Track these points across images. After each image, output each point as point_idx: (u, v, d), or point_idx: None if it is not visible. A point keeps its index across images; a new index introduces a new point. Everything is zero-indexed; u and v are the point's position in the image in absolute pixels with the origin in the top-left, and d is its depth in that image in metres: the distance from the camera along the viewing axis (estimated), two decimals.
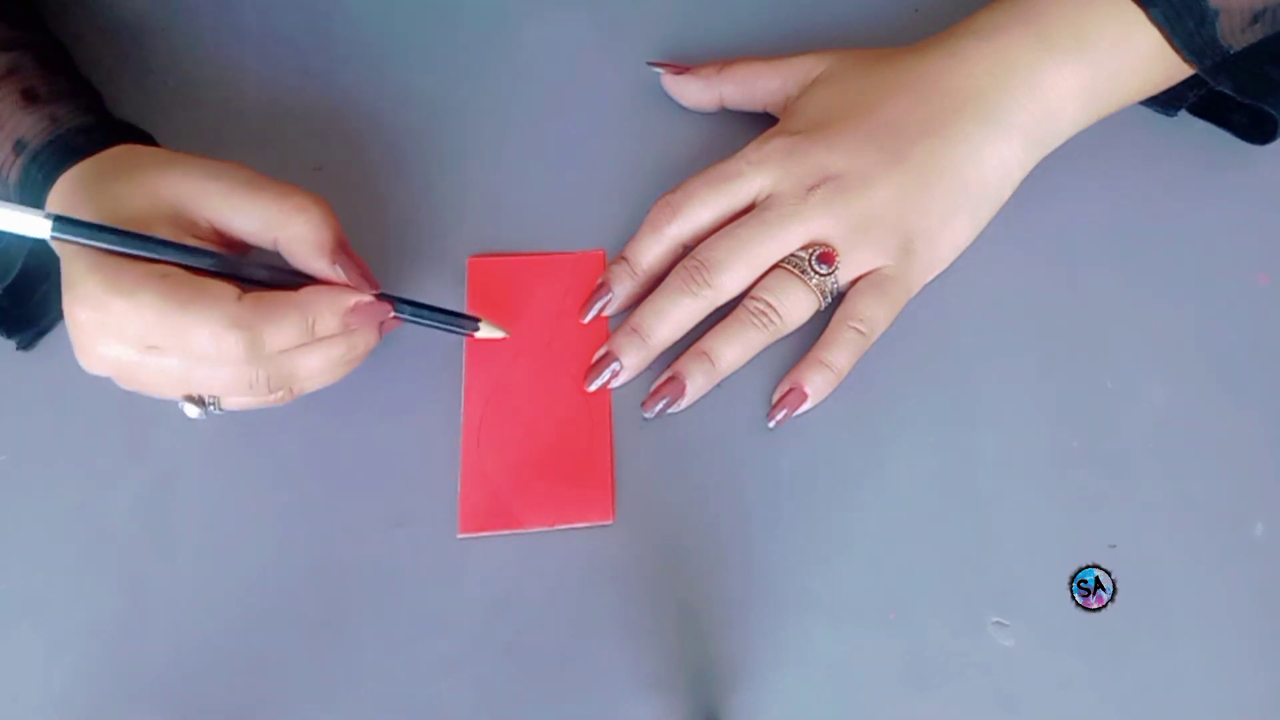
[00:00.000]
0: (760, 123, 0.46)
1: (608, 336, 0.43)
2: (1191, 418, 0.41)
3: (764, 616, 0.39)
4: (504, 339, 0.43)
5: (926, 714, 0.38)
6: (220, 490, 0.42)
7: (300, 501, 0.42)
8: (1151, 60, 0.41)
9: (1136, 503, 0.40)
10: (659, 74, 0.48)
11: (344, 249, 0.39)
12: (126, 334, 0.35)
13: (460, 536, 0.40)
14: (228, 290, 0.36)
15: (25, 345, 0.45)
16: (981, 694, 0.38)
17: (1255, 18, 0.40)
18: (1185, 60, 0.41)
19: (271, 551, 0.41)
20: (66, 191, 0.38)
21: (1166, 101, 0.45)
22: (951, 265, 0.44)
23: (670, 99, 0.48)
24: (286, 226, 0.38)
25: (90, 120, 0.41)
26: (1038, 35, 0.41)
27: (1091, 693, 0.38)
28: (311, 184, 0.46)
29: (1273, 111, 0.42)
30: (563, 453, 0.42)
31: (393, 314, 0.40)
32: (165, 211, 0.37)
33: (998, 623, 0.39)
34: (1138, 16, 0.40)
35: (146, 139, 0.44)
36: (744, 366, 0.42)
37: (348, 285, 0.39)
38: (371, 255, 0.45)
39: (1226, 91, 0.42)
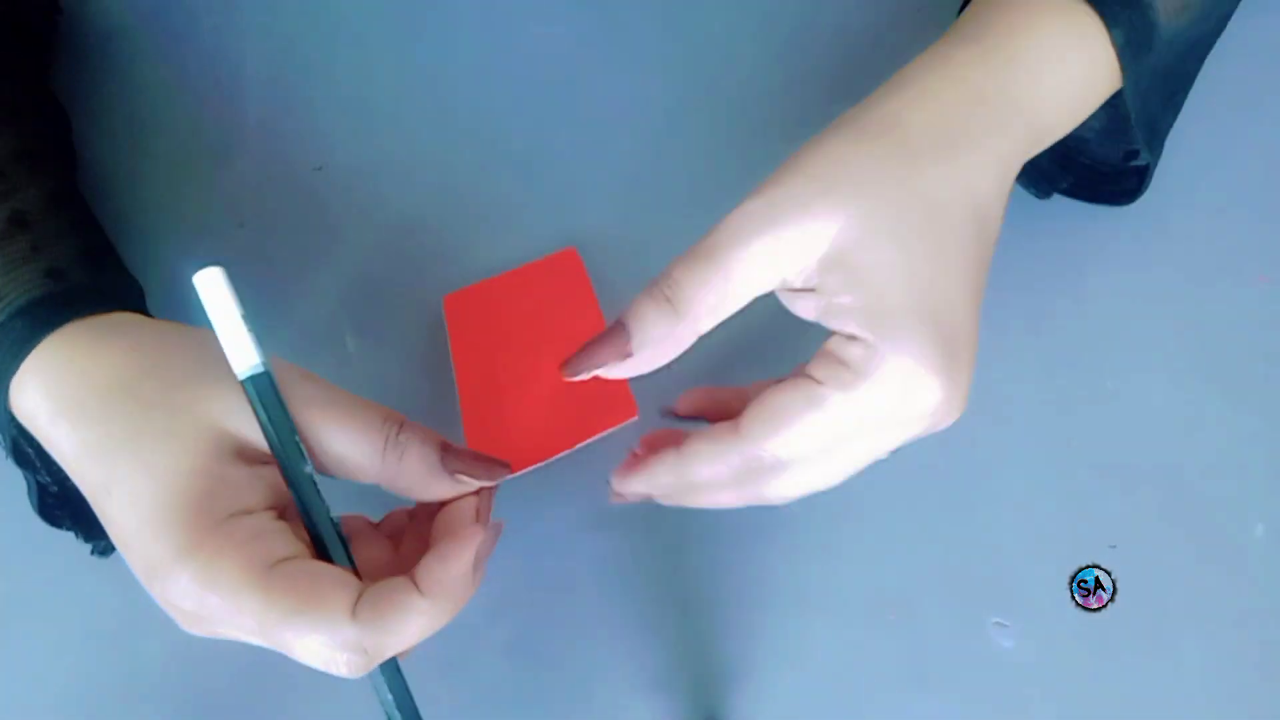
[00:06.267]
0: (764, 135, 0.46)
1: (598, 318, 0.41)
2: (1191, 418, 0.41)
3: (764, 616, 0.39)
4: (482, 326, 0.41)
5: (926, 714, 0.38)
6: None
7: None
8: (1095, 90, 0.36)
9: (1136, 503, 0.40)
10: (661, 82, 0.48)
11: (449, 450, 0.33)
12: (220, 625, 0.31)
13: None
14: (343, 597, 0.30)
15: (102, 551, 0.39)
16: (981, 694, 0.38)
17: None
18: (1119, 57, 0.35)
19: None
20: (43, 399, 0.32)
21: (1038, 182, 0.43)
22: None
23: (670, 96, 0.48)
24: (402, 459, 0.32)
25: (40, 294, 0.34)
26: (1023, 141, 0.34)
27: (1091, 693, 0.38)
28: (311, 184, 0.47)
29: (1147, 159, 0.40)
30: (576, 402, 0.38)
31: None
32: (229, 446, 0.31)
33: (998, 623, 0.39)
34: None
35: (112, 296, 0.37)
36: (745, 367, 0.42)
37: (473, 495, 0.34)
38: (374, 255, 0.45)
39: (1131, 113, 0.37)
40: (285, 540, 0.31)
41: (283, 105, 0.49)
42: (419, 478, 0.33)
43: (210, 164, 0.47)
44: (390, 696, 0.33)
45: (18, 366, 0.33)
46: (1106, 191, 0.43)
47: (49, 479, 0.37)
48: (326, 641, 0.29)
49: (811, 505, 0.41)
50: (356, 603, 0.30)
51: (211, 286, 0.32)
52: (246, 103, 0.49)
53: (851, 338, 0.30)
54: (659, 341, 0.32)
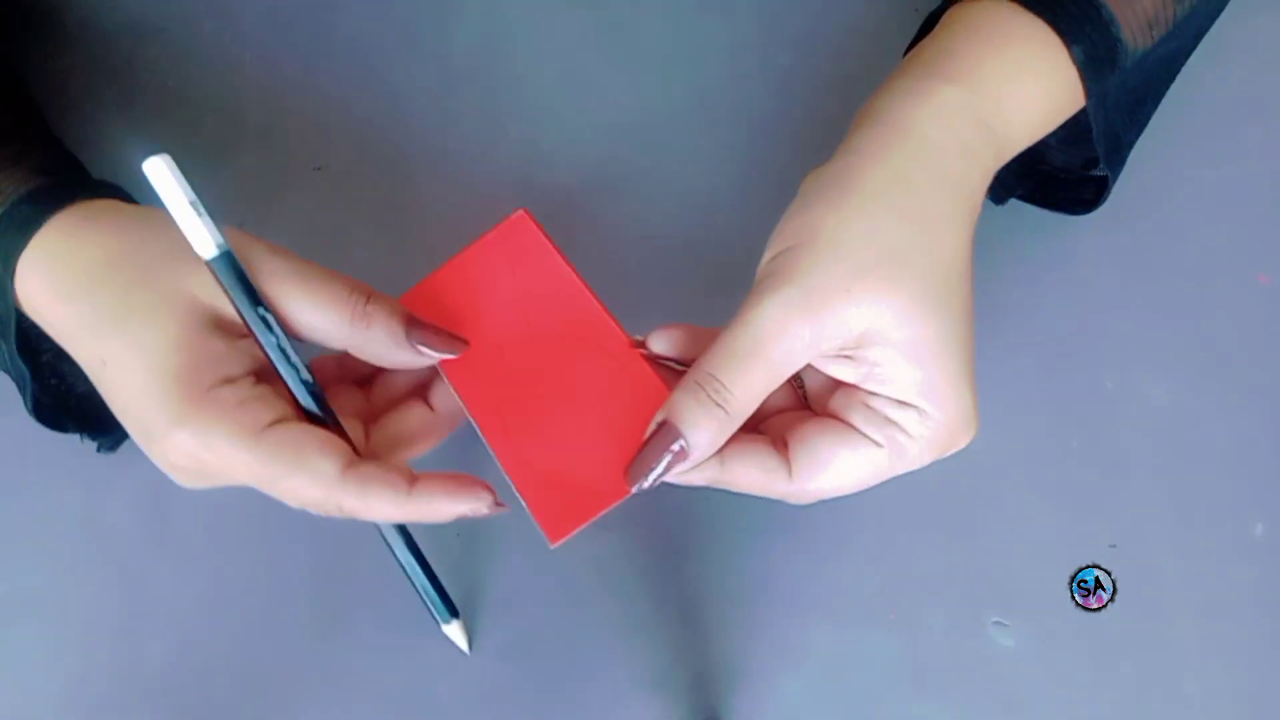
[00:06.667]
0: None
1: (586, 295, 0.38)
2: (1191, 418, 0.41)
3: (764, 616, 0.39)
4: (473, 346, 0.38)
5: (926, 714, 0.38)
6: (220, 490, 0.42)
7: None
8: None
9: (1136, 503, 0.40)
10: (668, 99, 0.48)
11: (413, 323, 0.35)
12: (216, 480, 0.34)
13: (556, 546, 0.35)
14: (328, 460, 0.32)
15: (110, 448, 0.41)
16: (981, 694, 0.38)
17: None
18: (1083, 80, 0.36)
19: (271, 551, 0.41)
20: (42, 287, 0.34)
21: (995, 189, 0.43)
22: None
23: (670, 98, 0.48)
24: (369, 327, 0.34)
25: (39, 184, 0.36)
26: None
27: (1091, 693, 0.38)
28: (311, 184, 0.47)
29: (1106, 171, 0.40)
30: (611, 407, 0.36)
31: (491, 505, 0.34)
32: (209, 316, 0.33)
33: (998, 623, 0.39)
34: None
35: (98, 189, 0.38)
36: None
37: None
38: (374, 253, 0.45)
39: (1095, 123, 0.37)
40: (269, 404, 0.33)
41: (283, 105, 0.49)
42: (384, 347, 0.35)
43: (210, 164, 0.47)
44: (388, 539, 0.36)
45: (25, 243, 0.35)
46: (1064, 199, 0.43)
47: (43, 387, 0.39)
48: (312, 495, 0.32)
49: (812, 506, 0.41)
50: (345, 466, 0.32)
51: (161, 175, 0.32)
52: (246, 103, 0.49)
53: (902, 403, 0.33)
54: (714, 444, 0.33)
